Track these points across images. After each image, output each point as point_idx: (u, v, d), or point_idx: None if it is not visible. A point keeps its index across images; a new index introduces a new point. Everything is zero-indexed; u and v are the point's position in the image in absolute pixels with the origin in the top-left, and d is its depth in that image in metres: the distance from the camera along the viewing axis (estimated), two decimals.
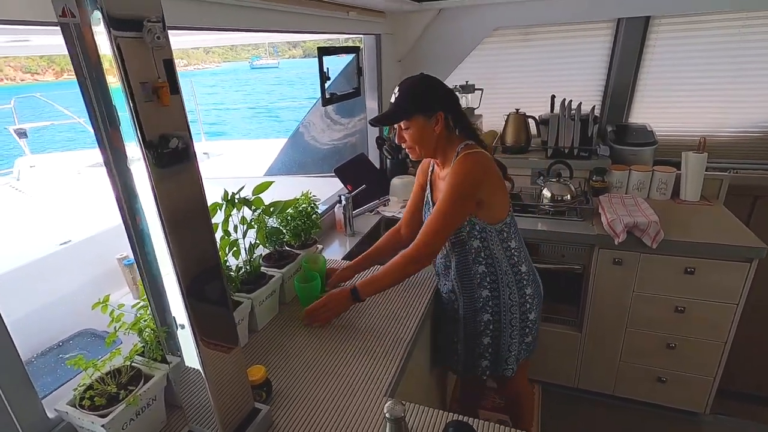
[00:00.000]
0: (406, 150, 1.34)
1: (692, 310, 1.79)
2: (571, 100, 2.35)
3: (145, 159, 0.66)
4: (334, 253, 1.82)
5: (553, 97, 2.49)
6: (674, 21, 2.30)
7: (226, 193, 1.20)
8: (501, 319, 1.38)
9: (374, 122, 1.33)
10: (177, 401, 0.95)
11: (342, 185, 2.22)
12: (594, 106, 2.38)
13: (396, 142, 1.33)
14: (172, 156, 0.70)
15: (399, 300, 1.38)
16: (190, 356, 0.82)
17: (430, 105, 1.25)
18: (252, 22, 1.45)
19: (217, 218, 1.21)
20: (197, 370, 0.81)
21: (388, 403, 0.84)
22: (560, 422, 2.03)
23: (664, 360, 1.92)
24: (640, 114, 2.58)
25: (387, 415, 0.82)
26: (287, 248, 1.47)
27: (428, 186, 1.43)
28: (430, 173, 1.44)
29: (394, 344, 1.17)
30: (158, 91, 0.66)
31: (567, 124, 2.35)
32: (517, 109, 2.45)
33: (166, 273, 0.75)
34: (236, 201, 1.21)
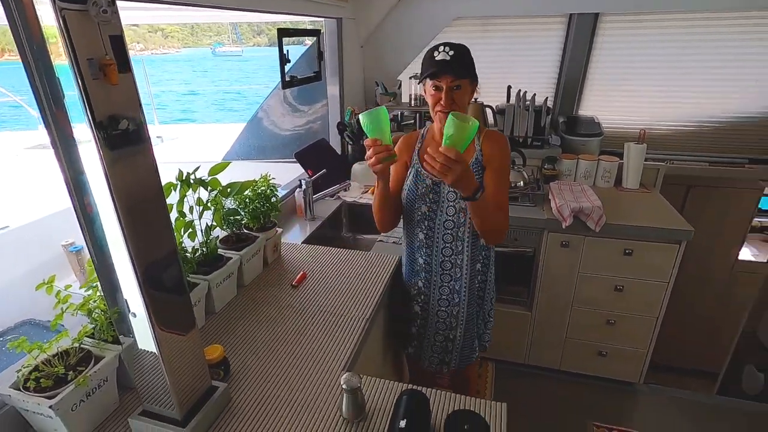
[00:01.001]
0: (446, 113, 1.18)
1: (629, 288, 1.94)
2: (525, 92, 2.45)
3: (96, 141, 0.64)
4: (294, 237, 1.82)
5: (509, 87, 2.58)
6: (620, 19, 2.44)
7: (180, 172, 1.17)
8: (491, 297, 1.49)
9: (440, 66, 1.18)
10: (130, 382, 0.94)
11: (303, 170, 2.20)
12: (547, 97, 2.50)
13: (443, 103, 1.21)
14: (124, 138, 0.69)
15: (355, 280, 1.41)
16: (144, 339, 0.81)
17: (475, 73, 1.26)
18: None
19: (172, 199, 1.19)
20: (152, 351, 0.80)
21: (345, 374, 0.87)
22: (511, 397, 2.15)
23: (604, 335, 2.08)
24: (589, 106, 2.72)
25: (344, 386, 0.86)
26: (246, 231, 1.45)
27: (416, 159, 1.36)
28: (417, 148, 1.38)
29: (351, 323, 1.20)
30: (105, 69, 0.63)
31: (522, 114, 2.45)
32: (476, 99, 2.52)
33: (119, 257, 0.74)
34: (192, 181, 1.19)
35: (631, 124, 2.65)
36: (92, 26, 0.61)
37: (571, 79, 2.63)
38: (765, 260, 3.01)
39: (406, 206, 1.38)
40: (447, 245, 1.37)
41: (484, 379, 2.24)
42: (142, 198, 0.73)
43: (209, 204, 1.26)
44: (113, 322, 0.89)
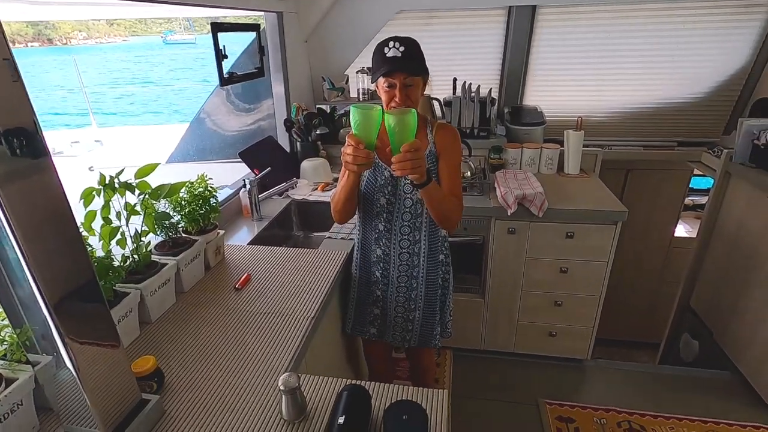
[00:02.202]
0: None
1: (573, 269, 2.03)
2: (471, 83, 2.50)
3: None
4: (241, 238, 1.76)
5: (454, 80, 2.61)
6: (556, 11, 2.53)
7: (102, 177, 1.10)
8: (449, 285, 1.51)
9: (391, 64, 1.18)
10: (50, 404, 0.87)
11: (249, 170, 2.14)
12: (491, 88, 2.56)
13: (397, 100, 1.20)
14: (19, 152, 0.63)
15: (302, 278, 1.38)
16: (66, 356, 0.76)
17: (426, 68, 1.25)
18: None
19: (97, 205, 1.12)
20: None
21: (283, 375, 0.85)
22: (468, 382, 2.21)
23: (553, 316, 2.16)
24: (532, 97, 2.81)
25: (281, 387, 0.84)
26: (184, 235, 1.39)
27: (374, 152, 1.34)
28: None
29: (296, 322, 1.18)
30: None
31: (468, 105, 2.49)
32: None
33: (24, 274, 0.68)
34: (116, 185, 1.12)
35: (571, 113, 2.76)
36: None
37: (514, 70, 2.70)
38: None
39: (365, 198, 1.39)
40: (404, 237, 1.40)
41: (443, 368, 2.28)
42: (43, 213, 0.68)
43: (139, 208, 1.20)
44: (23, 342, 0.83)
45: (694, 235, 3.25)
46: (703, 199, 3.70)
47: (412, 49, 1.21)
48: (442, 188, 1.30)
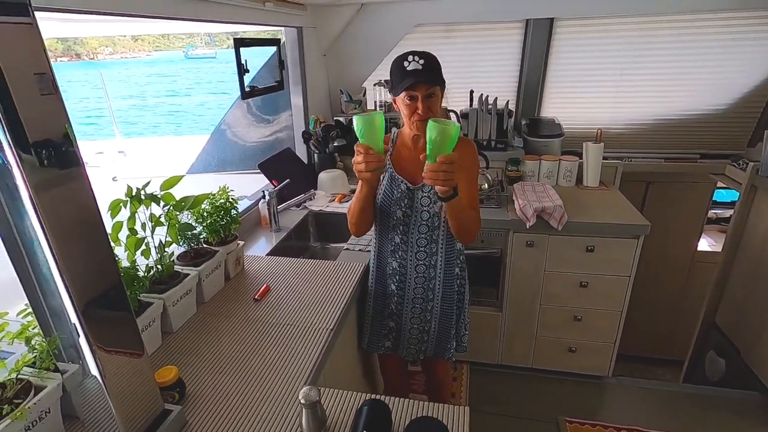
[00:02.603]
0: (425, 121, 1.18)
1: (593, 284, 1.99)
2: (488, 95, 2.50)
3: (19, 167, 0.61)
4: (260, 249, 1.78)
5: (471, 92, 2.62)
6: (574, 23, 2.52)
7: (129, 188, 1.13)
8: (464, 298, 1.50)
9: (414, 75, 1.18)
10: (77, 412, 0.89)
11: (268, 181, 2.17)
12: (508, 100, 2.55)
13: (420, 112, 1.21)
14: (53, 161, 0.66)
15: (320, 290, 1.39)
16: (91, 364, 0.77)
17: (443, 80, 1.25)
18: (158, 9, 1.37)
19: (123, 216, 1.15)
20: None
21: (304, 389, 0.85)
22: (486, 397, 2.17)
23: (572, 331, 2.12)
24: (550, 108, 2.80)
25: (302, 401, 0.84)
26: (205, 246, 1.41)
27: (389, 163, 1.36)
28: (389, 152, 1.38)
29: (315, 334, 1.18)
30: None
31: (485, 118, 2.49)
32: None
33: (56, 281, 0.70)
34: (142, 197, 1.15)
35: (590, 125, 2.73)
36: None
37: (531, 82, 2.70)
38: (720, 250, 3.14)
39: (381, 211, 1.39)
40: (421, 249, 1.40)
41: (459, 382, 2.24)
42: (75, 221, 0.70)
43: (163, 220, 1.22)
44: (59, 349, 0.85)
45: (718, 249, 3.16)
46: (727, 212, 3.60)
47: (431, 62, 1.22)
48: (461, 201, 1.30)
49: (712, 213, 3.47)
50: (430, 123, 1.06)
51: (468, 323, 1.56)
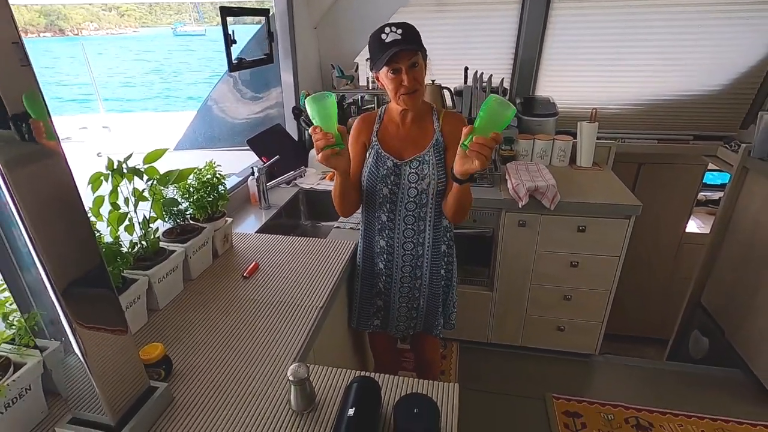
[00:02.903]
0: (412, 93, 1.20)
1: (584, 264, 2.00)
2: (482, 72, 2.44)
3: None
4: (249, 226, 1.75)
5: (466, 69, 2.56)
6: (571, 1, 2.46)
7: (110, 161, 1.08)
8: (452, 276, 1.48)
9: (401, 48, 1.12)
10: (59, 389, 0.87)
11: (257, 158, 2.12)
12: (503, 78, 2.51)
13: (406, 84, 1.17)
14: (27, 136, 0.62)
15: (310, 268, 1.37)
16: (74, 342, 0.75)
17: (423, 47, 1.19)
18: None
19: (105, 190, 1.11)
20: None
21: (292, 365, 0.84)
22: (475, 375, 2.20)
23: (562, 311, 2.14)
24: (545, 87, 2.76)
25: (290, 378, 0.83)
26: (192, 222, 1.38)
27: (376, 140, 1.33)
28: (376, 129, 1.34)
29: (304, 312, 1.16)
30: None
31: (479, 95, 2.44)
32: (433, 80, 2.49)
33: (32, 258, 0.67)
34: (124, 171, 1.11)
35: (585, 104, 2.71)
36: None
37: (527, 60, 2.65)
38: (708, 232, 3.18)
39: (367, 189, 1.36)
40: (409, 226, 1.37)
41: (449, 360, 2.27)
42: (52, 198, 0.67)
43: (147, 194, 1.18)
44: (31, 327, 0.82)
45: (706, 231, 3.19)
46: (716, 195, 3.63)
47: (410, 31, 1.17)
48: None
49: (701, 195, 3.49)
50: (494, 97, 1.00)
51: (456, 301, 1.55)
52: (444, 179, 1.31)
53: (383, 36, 1.15)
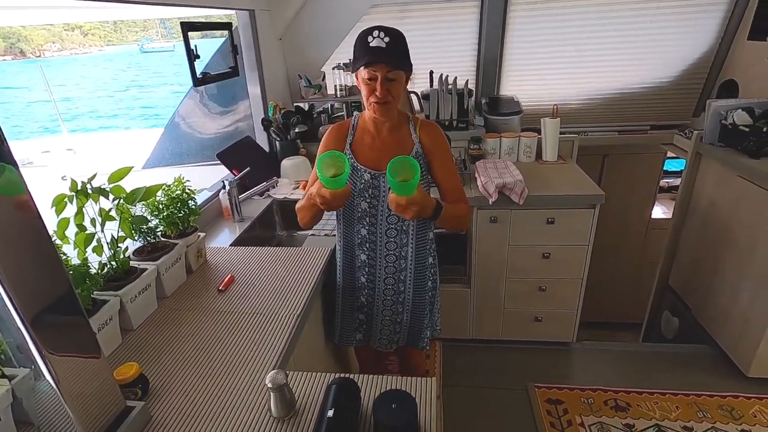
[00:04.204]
0: (383, 104, 1.19)
1: (555, 254, 2.07)
2: (447, 75, 2.50)
3: None
4: (223, 240, 1.74)
5: (431, 72, 2.62)
6: (526, 5, 2.55)
7: (74, 182, 1.07)
8: (437, 286, 1.48)
9: (374, 54, 1.14)
10: (30, 417, 0.85)
11: (228, 171, 2.11)
12: (467, 80, 2.57)
13: (378, 94, 1.17)
14: None
15: (286, 277, 1.37)
16: (45, 370, 0.74)
17: (409, 62, 1.20)
18: None
19: (70, 212, 1.09)
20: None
21: (270, 373, 0.85)
22: (460, 371, 2.23)
23: (537, 302, 2.20)
24: (509, 86, 2.85)
25: (269, 385, 0.83)
26: (163, 239, 1.37)
27: (349, 152, 1.32)
28: (350, 141, 1.33)
29: (282, 321, 1.17)
30: None
31: (445, 98, 2.50)
32: None
33: None
34: (89, 191, 1.09)
35: (547, 101, 2.80)
36: None
37: (490, 60, 2.73)
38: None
39: (345, 204, 1.32)
40: (391, 239, 1.36)
41: (433, 359, 2.29)
42: (12, 225, 0.66)
43: (114, 214, 1.17)
44: (6, 355, 0.80)
45: (669, 216, 3.34)
46: (677, 181, 3.80)
47: (396, 41, 1.15)
48: (446, 198, 1.30)
49: (663, 182, 3.65)
50: (388, 174, 1.07)
51: (439, 307, 1.54)
52: (426, 190, 1.30)
53: (369, 38, 1.15)
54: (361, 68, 1.17)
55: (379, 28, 1.16)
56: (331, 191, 1.12)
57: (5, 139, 0.66)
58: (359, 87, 1.24)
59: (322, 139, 1.36)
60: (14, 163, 0.67)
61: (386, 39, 1.14)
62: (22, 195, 0.68)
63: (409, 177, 1.08)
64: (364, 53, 1.16)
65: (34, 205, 0.70)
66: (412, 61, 1.22)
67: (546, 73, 2.77)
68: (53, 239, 0.76)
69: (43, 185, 1.12)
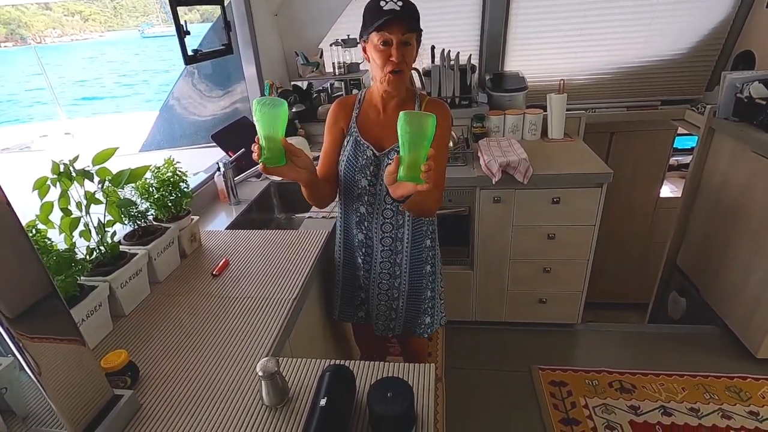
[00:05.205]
0: (398, 74, 1.13)
1: (560, 235, 2.01)
2: (450, 51, 2.41)
3: None
4: (219, 224, 1.70)
5: (432, 48, 2.52)
6: None
7: (55, 165, 1.02)
8: (437, 270, 1.43)
9: (396, 19, 1.07)
10: (14, 408, 0.83)
11: (224, 153, 2.06)
12: (470, 55, 2.47)
13: (394, 59, 1.10)
14: None
15: (282, 260, 1.34)
16: (22, 361, 0.71)
17: (421, 29, 1.15)
18: None
19: (54, 195, 1.05)
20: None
21: (261, 360, 0.82)
22: (463, 354, 2.21)
23: (542, 283, 2.16)
24: (513, 62, 2.74)
25: (260, 373, 0.80)
26: (155, 223, 1.33)
27: (355, 127, 1.26)
28: (355, 115, 1.27)
29: (277, 305, 1.13)
30: None
31: (447, 74, 2.41)
32: None
33: None
34: (73, 174, 1.05)
35: (554, 76, 2.70)
36: None
37: (493, 34, 2.62)
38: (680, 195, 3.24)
39: (345, 179, 1.29)
40: (387, 220, 1.31)
41: (435, 342, 2.27)
42: None
43: (100, 197, 1.13)
44: None
45: (679, 194, 3.26)
46: (687, 159, 3.69)
47: (410, 6, 1.12)
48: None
49: (673, 160, 3.55)
50: (402, 114, 0.92)
51: (442, 292, 1.49)
52: None
53: (382, 2, 1.10)
54: (374, 34, 1.11)
55: None
56: (257, 140, 1.03)
57: None
58: (369, 57, 1.17)
59: (328, 113, 1.31)
60: None
61: (399, 3, 1.10)
62: None
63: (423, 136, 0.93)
64: (378, 16, 1.09)
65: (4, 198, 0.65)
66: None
67: (552, 47, 2.66)
68: (21, 224, 0.71)
69: (41, 169, 1.08)
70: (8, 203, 0.67)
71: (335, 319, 1.53)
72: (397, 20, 1.08)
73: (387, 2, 1.09)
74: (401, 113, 0.92)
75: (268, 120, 1.01)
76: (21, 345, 0.67)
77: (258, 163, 1.07)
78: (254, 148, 1.03)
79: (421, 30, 1.16)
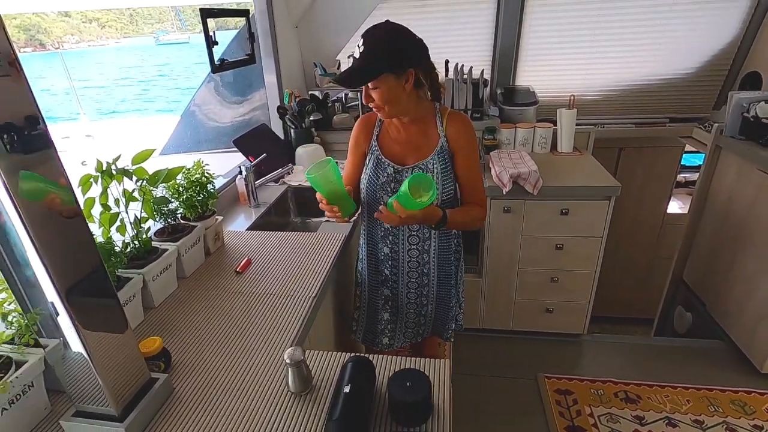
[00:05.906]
0: (374, 109, 1.20)
1: (568, 246, 2.06)
2: (463, 65, 2.49)
3: None
4: (240, 225, 1.77)
5: (447, 62, 2.60)
6: None
7: (99, 163, 1.10)
8: (461, 272, 1.48)
9: (338, 81, 1.13)
10: (61, 385, 0.89)
11: (244, 158, 2.14)
12: (483, 70, 2.55)
13: (363, 101, 1.17)
14: (23, 144, 0.65)
15: (302, 260, 1.40)
16: (74, 340, 0.77)
17: (400, 62, 1.10)
18: None
19: (95, 192, 1.13)
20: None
21: (289, 349, 0.87)
22: (470, 361, 2.25)
23: (549, 293, 2.20)
24: (525, 77, 2.82)
25: (287, 361, 0.86)
26: (183, 221, 1.40)
27: (376, 145, 1.31)
28: (377, 133, 1.32)
29: (298, 303, 1.19)
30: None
31: (460, 87, 2.49)
32: None
33: (33, 262, 0.70)
34: (113, 172, 1.13)
35: (564, 92, 2.77)
36: None
37: (506, 50, 2.70)
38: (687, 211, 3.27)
39: (367, 197, 1.33)
40: (413, 233, 1.35)
41: (443, 348, 2.31)
42: (51, 204, 0.70)
43: (137, 195, 1.20)
44: (37, 325, 0.84)
45: (686, 211, 3.29)
46: (695, 176, 3.73)
47: (374, 48, 1.09)
48: (464, 198, 1.31)
49: (680, 177, 3.59)
50: (408, 181, 1.08)
51: (463, 301, 1.53)
52: (451, 187, 1.27)
53: (355, 50, 1.11)
54: None
55: (364, 35, 1.11)
56: (326, 202, 1.18)
57: (44, 122, 0.69)
58: None
59: (352, 131, 1.37)
60: (53, 146, 0.71)
61: (362, 49, 1.09)
62: (58, 170, 0.71)
63: (424, 196, 1.09)
64: (341, 72, 1.18)
65: (68, 181, 0.73)
66: (403, 60, 1.12)
67: (563, 63, 2.73)
68: (84, 218, 0.78)
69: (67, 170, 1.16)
70: (74, 195, 0.74)
71: (358, 342, 1.56)
72: (346, 83, 1.13)
73: (356, 49, 1.11)
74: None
75: (324, 181, 1.14)
76: (78, 329, 0.74)
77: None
78: (323, 207, 1.19)
79: (396, 65, 1.10)
